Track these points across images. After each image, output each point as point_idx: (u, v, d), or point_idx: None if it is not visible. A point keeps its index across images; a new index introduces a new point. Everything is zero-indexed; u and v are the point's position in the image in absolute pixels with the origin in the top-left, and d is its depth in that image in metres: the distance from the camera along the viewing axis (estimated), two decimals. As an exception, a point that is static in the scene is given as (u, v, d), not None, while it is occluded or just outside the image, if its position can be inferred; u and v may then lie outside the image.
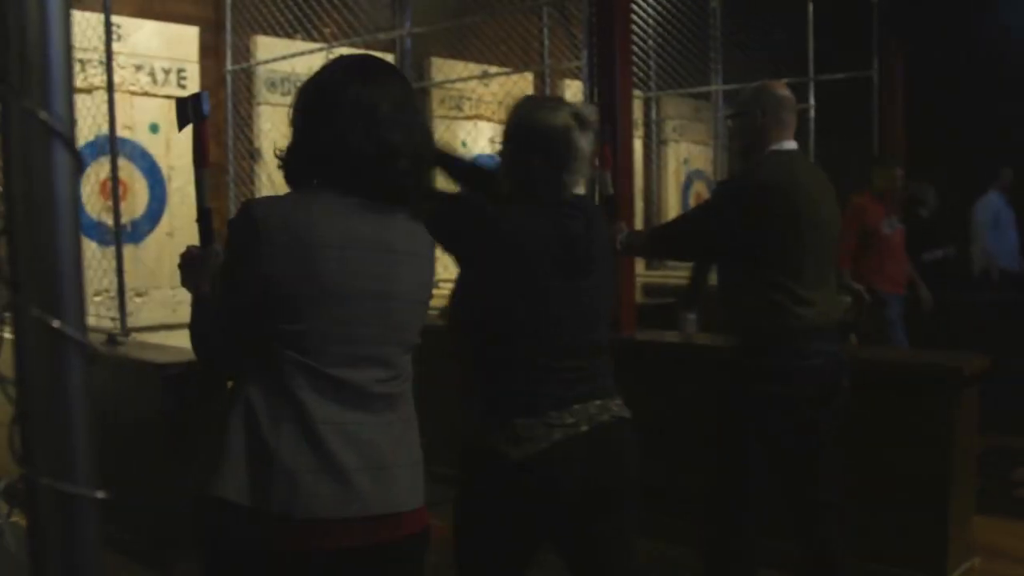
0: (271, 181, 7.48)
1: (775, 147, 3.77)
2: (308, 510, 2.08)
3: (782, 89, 3.89)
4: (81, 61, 7.03)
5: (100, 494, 0.76)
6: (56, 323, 0.74)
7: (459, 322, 2.95)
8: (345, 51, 6.32)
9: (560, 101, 2.92)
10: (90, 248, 7.03)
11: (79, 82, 7.03)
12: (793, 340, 3.66)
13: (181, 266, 2.39)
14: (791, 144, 3.81)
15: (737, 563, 3.80)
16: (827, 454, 3.78)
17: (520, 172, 2.87)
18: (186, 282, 2.37)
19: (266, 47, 7.95)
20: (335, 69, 2.30)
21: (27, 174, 0.74)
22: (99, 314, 6.35)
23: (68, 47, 0.76)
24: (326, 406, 2.13)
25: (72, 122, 0.75)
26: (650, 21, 9.59)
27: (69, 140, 0.75)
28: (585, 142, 2.82)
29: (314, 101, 2.26)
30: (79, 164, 0.76)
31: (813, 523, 3.78)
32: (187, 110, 2.51)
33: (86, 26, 6.60)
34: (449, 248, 2.80)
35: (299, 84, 2.35)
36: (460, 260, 2.88)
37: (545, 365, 2.74)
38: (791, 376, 3.64)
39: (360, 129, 2.18)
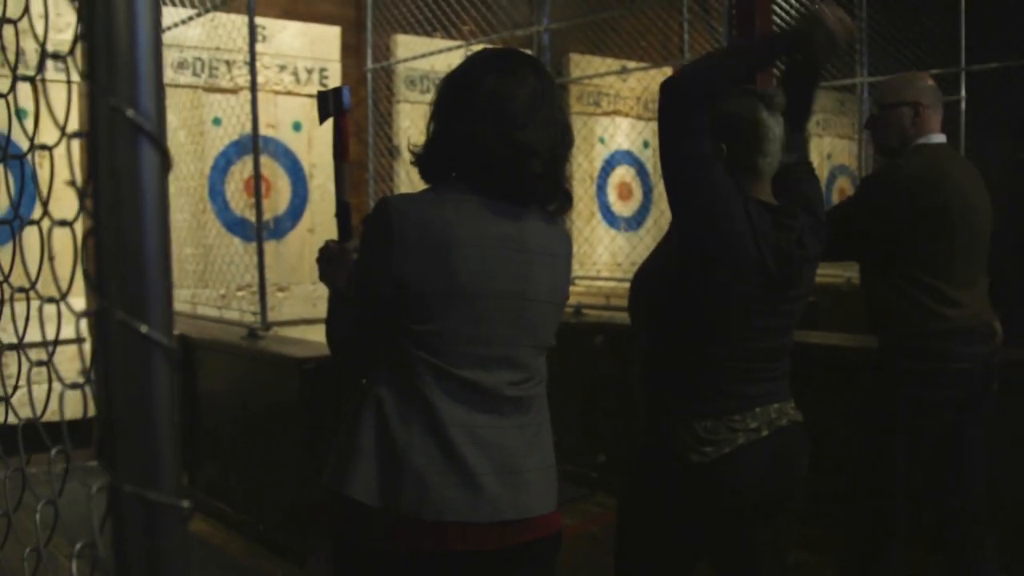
0: (410, 178, 7.53)
1: (923, 140, 3.64)
2: (437, 512, 2.06)
3: (930, 80, 3.75)
4: (227, 62, 7.21)
5: (185, 503, 0.74)
6: (143, 328, 0.72)
7: (653, 317, 2.84)
8: (483, 48, 6.34)
9: (743, 88, 2.79)
10: (234, 244, 7.20)
11: (225, 82, 7.21)
12: (938, 342, 3.52)
13: (319, 261, 2.39)
14: (940, 137, 3.67)
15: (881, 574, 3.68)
16: (973, 462, 3.63)
17: None
18: (324, 277, 2.37)
19: (406, 45, 8.03)
20: (472, 63, 2.25)
21: (114, 173, 0.72)
22: (242, 308, 6.49)
23: (157, 42, 0.73)
24: (456, 408, 2.11)
25: (161, 120, 0.73)
26: (792, 12, 9.38)
27: (157, 138, 0.72)
28: (775, 124, 2.68)
29: (450, 96, 2.22)
30: (168, 163, 0.74)
31: (958, 535, 3.64)
32: (328, 104, 2.52)
33: (231, 28, 6.76)
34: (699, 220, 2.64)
35: (438, 82, 2.31)
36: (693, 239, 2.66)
37: (734, 367, 2.66)
38: (936, 379, 3.51)
39: (492, 125, 2.13)
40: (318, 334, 3.82)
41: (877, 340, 3.74)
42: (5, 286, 1.36)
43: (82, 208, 0.77)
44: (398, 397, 2.11)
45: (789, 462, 2.75)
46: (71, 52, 0.83)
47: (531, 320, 2.20)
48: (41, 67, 0.94)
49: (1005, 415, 3.75)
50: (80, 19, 0.74)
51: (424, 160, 2.24)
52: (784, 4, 9.23)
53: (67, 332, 1.04)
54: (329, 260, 2.37)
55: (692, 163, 2.55)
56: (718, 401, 2.64)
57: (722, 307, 2.61)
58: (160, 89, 0.74)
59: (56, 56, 0.88)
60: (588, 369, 5.97)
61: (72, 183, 0.78)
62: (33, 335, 1.29)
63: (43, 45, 0.93)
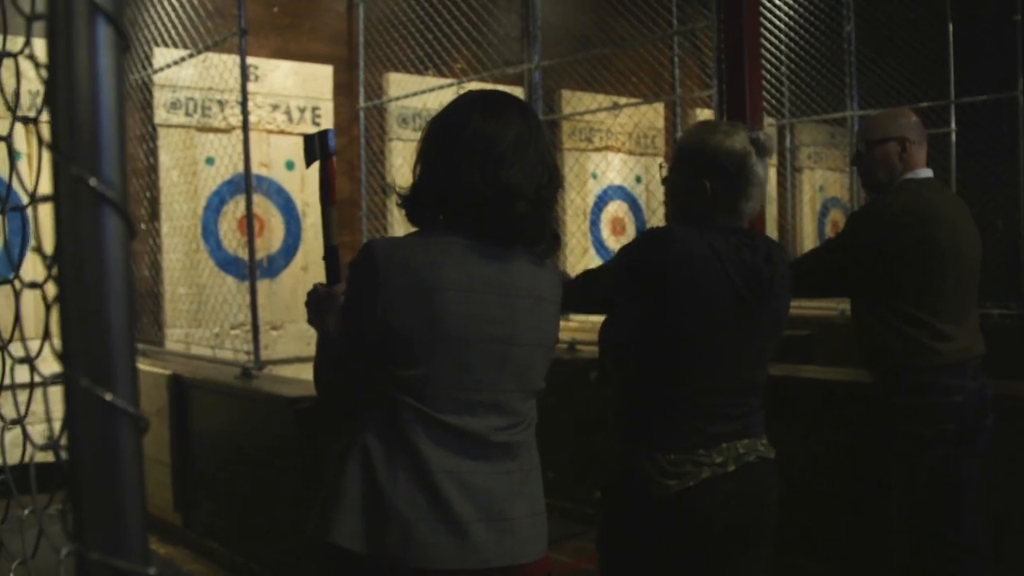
0: (403, 216, 7.55)
1: (910, 175, 3.65)
2: (423, 559, 2.05)
3: (914, 116, 3.77)
4: (220, 102, 7.24)
5: (152, 571, 0.74)
6: (108, 396, 0.72)
7: (617, 355, 2.87)
8: (475, 86, 6.36)
9: (735, 125, 2.81)
10: (227, 283, 7.21)
11: (218, 122, 7.23)
12: (930, 376, 3.52)
13: (308, 304, 2.38)
14: (926, 172, 3.68)
15: None
16: (969, 496, 3.62)
17: (693, 198, 2.77)
18: (312, 320, 2.36)
19: (398, 84, 8.07)
20: (458, 105, 2.25)
21: (77, 241, 0.73)
22: (235, 347, 6.48)
23: (120, 112, 0.74)
24: (443, 454, 2.09)
25: (124, 188, 0.73)
26: (783, 47, 9.43)
27: (120, 206, 0.73)
28: (761, 168, 2.73)
29: (436, 138, 2.22)
30: (131, 231, 0.74)
31: (953, 569, 3.62)
32: (314, 147, 2.51)
33: (224, 68, 6.79)
34: (627, 279, 2.75)
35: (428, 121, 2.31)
36: (640, 288, 2.73)
37: (702, 403, 2.68)
38: (929, 414, 3.51)
39: (477, 167, 2.12)
40: (312, 373, 3.81)
41: (870, 374, 3.74)
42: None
43: (49, 275, 0.77)
44: (384, 442, 2.10)
45: (757, 496, 2.76)
46: (36, 118, 0.83)
47: (518, 365, 2.18)
48: (10, 132, 0.95)
49: (1000, 447, 3.73)
50: (44, 85, 0.74)
51: (410, 203, 2.24)
52: (775, 36, 9.30)
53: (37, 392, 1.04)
54: (317, 303, 2.36)
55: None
56: (684, 437, 2.66)
57: (689, 336, 2.63)
58: (123, 158, 0.74)
59: (25, 120, 0.89)
60: (583, 405, 5.96)
61: (37, 249, 0.78)
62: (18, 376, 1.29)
63: (13, 110, 0.93)
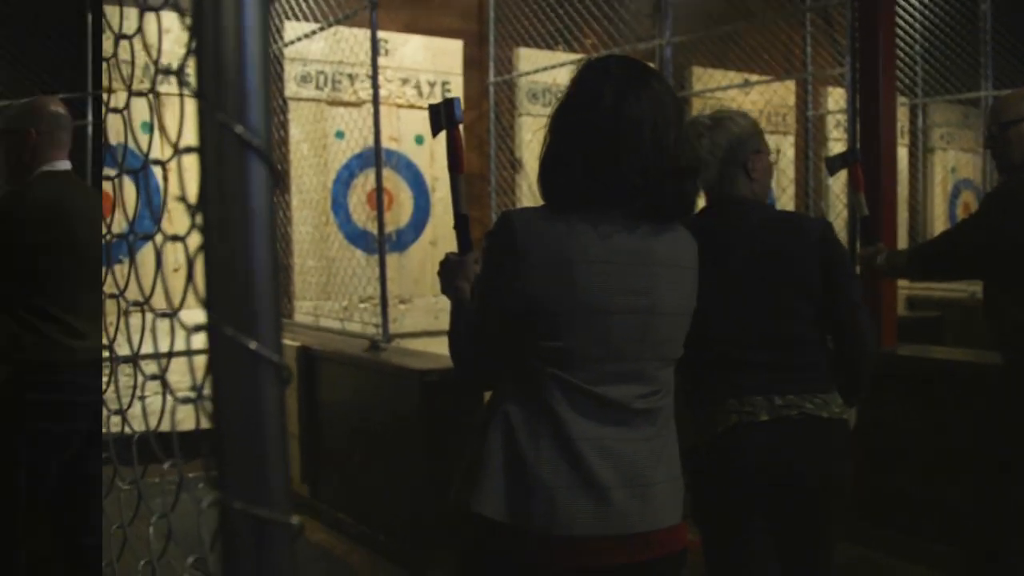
0: (532, 191, 7.54)
1: None
2: (567, 527, 2.04)
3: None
4: (350, 75, 7.31)
5: (295, 519, 0.74)
6: (252, 344, 0.72)
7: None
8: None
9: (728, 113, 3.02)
10: (356, 256, 7.28)
11: (348, 96, 7.30)
12: None
13: (440, 273, 2.39)
14: None
15: None
16: None
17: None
18: (446, 289, 2.37)
19: (528, 59, 8.04)
20: (592, 75, 2.21)
21: (222, 188, 0.72)
22: (363, 321, 6.55)
23: (265, 59, 0.73)
24: (585, 422, 2.08)
25: (269, 135, 0.73)
26: (917, 26, 9.16)
27: (265, 153, 0.72)
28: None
29: (570, 110, 2.20)
30: (276, 178, 0.74)
31: None
32: (440, 116, 2.51)
33: (354, 42, 6.85)
34: None
35: (559, 95, 2.28)
36: None
37: (729, 358, 2.77)
38: None
39: (611, 142, 2.11)
40: (439, 346, 3.84)
41: (1001, 356, 3.64)
42: (121, 300, 1.38)
43: (193, 224, 0.77)
44: (526, 412, 2.10)
45: (796, 451, 2.75)
46: (181, 68, 0.83)
47: (658, 334, 2.16)
48: (154, 83, 0.95)
49: None
50: (190, 36, 0.74)
51: (546, 176, 2.21)
52: (910, 14, 9.05)
53: (178, 345, 1.05)
54: (450, 272, 2.36)
55: None
56: (721, 389, 2.75)
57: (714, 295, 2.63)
58: (268, 105, 0.73)
59: (168, 71, 0.89)
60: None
61: (182, 199, 0.79)
62: (147, 348, 1.31)
63: (156, 61, 0.94)
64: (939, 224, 10.22)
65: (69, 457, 3.53)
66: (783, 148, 9.57)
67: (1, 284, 3.47)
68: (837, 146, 9.42)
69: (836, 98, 9.61)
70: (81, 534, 3.58)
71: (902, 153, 9.72)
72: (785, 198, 8.84)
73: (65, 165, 3.66)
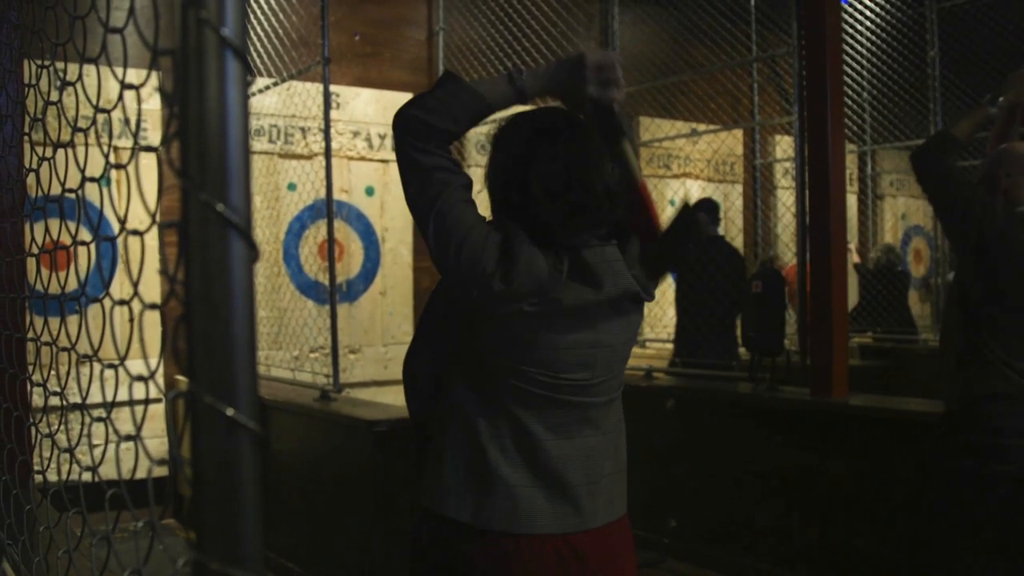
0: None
1: (1021, 209, 3.67)
2: (527, 525, 2.08)
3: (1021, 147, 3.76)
4: (302, 129, 7.37)
5: (269, 579, 0.77)
6: (230, 411, 0.76)
7: None
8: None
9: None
10: (307, 306, 7.30)
11: (300, 149, 7.35)
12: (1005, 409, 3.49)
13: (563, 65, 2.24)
14: None
15: None
16: None
17: None
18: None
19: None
20: (504, 133, 2.26)
21: (205, 264, 0.76)
22: (314, 371, 6.56)
23: (245, 141, 0.78)
24: (543, 422, 2.12)
25: (249, 213, 0.77)
26: (864, 73, 9.36)
27: (246, 231, 0.76)
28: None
29: (496, 169, 2.23)
30: (255, 254, 0.78)
31: None
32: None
33: (306, 96, 6.92)
34: None
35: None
36: None
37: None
38: (996, 454, 3.48)
39: (548, 193, 2.10)
40: (389, 396, 3.86)
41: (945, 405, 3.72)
42: (72, 352, 1.41)
43: (171, 293, 0.81)
44: (485, 416, 2.12)
45: None
46: (165, 146, 0.87)
47: (612, 328, 2.18)
48: (133, 157, 0.99)
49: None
50: (173, 119, 0.78)
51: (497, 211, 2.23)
52: (857, 62, 9.23)
53: (145, 393, 1.08)
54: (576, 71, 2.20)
55: None
56: None
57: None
58: (248, 186, 0.78)
59: (148, 149, 0.93)
60: (659, 433, 5.95)
61: (163, 272, 0.82)
62: (113, 395, 1.34)
63: (136, 135, 0.98)
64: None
65: None
66: (731, 197, 9.72)
67: None
68: (785, 194, 9.57)
69: (784, 146, 9.78)
70: None
71: (851, 200, 9.89)
72: (735, 245, 8.96)
73: None
